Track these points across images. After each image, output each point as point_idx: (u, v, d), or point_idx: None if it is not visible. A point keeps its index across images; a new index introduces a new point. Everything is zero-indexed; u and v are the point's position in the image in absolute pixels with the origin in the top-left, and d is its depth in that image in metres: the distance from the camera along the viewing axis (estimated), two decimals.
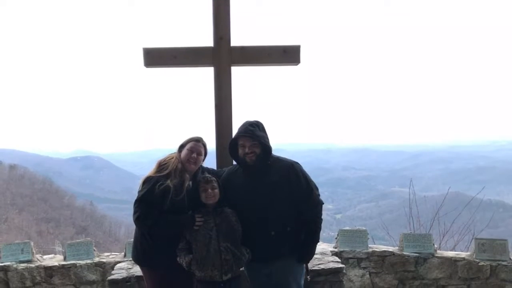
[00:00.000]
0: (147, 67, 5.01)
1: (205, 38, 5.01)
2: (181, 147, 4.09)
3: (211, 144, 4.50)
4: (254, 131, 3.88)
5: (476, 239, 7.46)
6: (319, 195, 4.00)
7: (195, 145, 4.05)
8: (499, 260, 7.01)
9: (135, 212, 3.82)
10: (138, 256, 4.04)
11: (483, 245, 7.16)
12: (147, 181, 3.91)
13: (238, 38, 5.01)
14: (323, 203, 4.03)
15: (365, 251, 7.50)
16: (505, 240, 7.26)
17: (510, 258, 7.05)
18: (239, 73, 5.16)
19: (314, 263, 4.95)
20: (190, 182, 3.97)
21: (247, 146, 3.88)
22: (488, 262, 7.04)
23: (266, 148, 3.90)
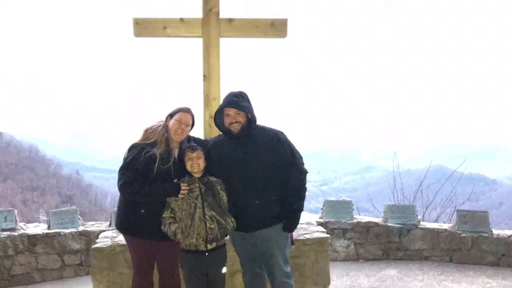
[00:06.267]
0: (136, 37, 5.05)
1: (195, 10, 5.02)
2: (169, 116, 4.07)
3: (198, 115, 4.51)
4: (239, 102, 3.92)
5: (458, 211, 7.63)
6: (303, 164, 4.04)
7: (184, 116, 4.03)
8: (480, 232, 7.20)
9: (119, 179, 3.81)
10: (122, 225, 4.02)
11: (464, 217, 7.33)
12: (133, 148, 3.92)
13: (227, 9, 5.01)
14: (307, 172, 4.07)
15: (350, 221, 7.63)
16: (486, 212, 7.43)
17: (490, 230, 7.24)
18: (229, 44, 5.17)
19: (300, 233, 4.98)
20: (177, 151, 3.99)
21: (232, 116, 3.92)
22: (469, 234, 7.23)
23: (251, 117, 3.95)
